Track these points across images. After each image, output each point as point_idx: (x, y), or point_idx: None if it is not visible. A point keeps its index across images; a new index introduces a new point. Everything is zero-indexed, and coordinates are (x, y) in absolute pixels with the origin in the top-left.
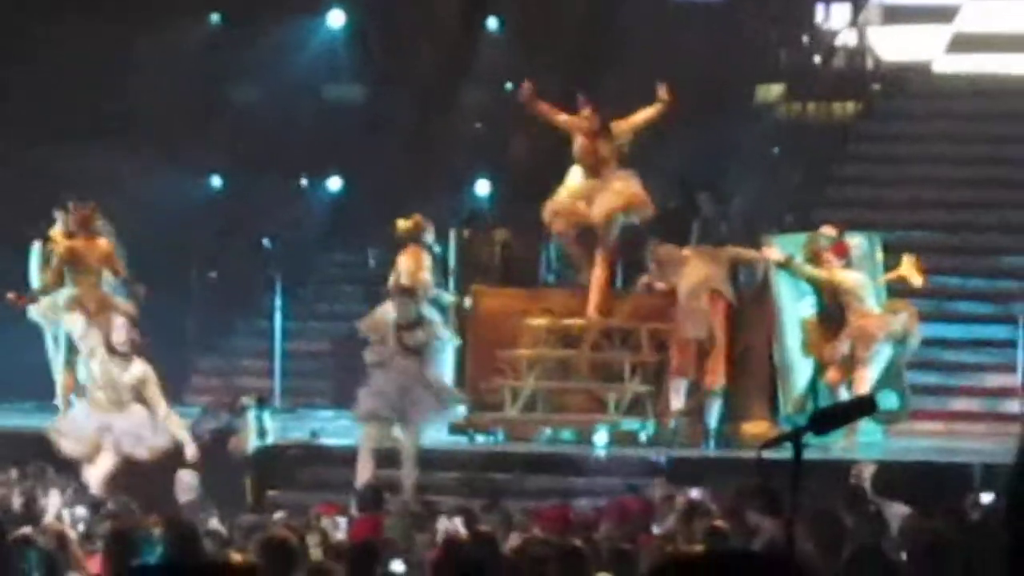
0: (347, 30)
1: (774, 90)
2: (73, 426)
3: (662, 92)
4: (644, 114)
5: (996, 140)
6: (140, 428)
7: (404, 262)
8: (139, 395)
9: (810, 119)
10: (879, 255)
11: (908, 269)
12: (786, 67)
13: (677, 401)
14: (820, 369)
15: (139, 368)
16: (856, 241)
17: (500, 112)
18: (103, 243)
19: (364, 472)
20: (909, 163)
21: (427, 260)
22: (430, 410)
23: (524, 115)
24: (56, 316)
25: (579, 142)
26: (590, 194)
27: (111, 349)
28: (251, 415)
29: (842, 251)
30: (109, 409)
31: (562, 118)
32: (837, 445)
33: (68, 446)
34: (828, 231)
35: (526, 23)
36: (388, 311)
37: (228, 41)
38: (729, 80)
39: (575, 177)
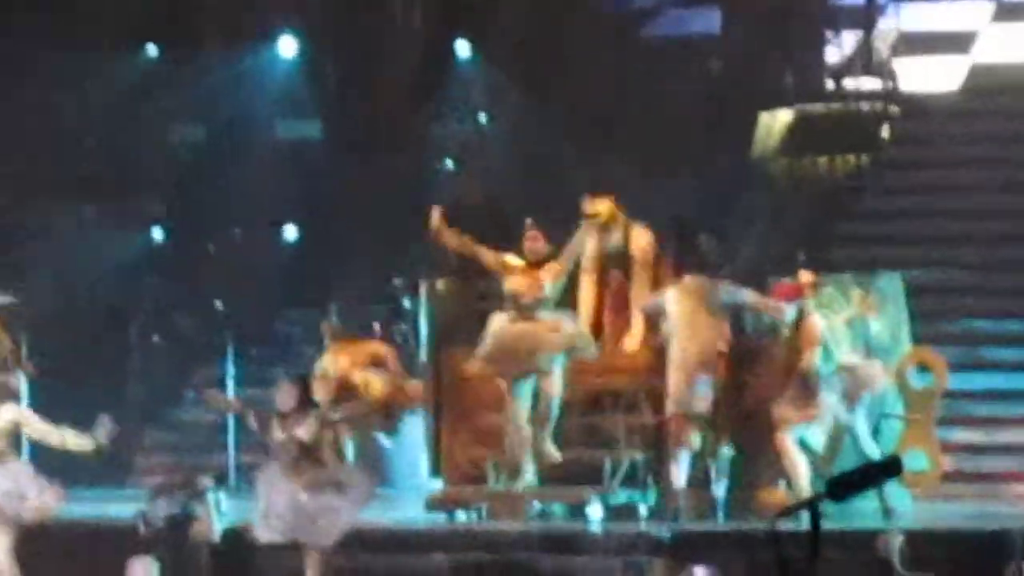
0: (300, 59)
1: (780, 118)
2: None
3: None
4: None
5: None
6: (21, 484)
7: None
8: (13, 444)
9: (818, 168)
10: (900, 297)
11: (859, 308)
12: (794, 92)
13: (680, 475)
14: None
15: (10, 411)
16: (828, 289)
17: (475, 147)
18: None
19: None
20: (935, 193)
21: None
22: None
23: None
24: None
25: (513, 283)
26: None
27: None
28: (211, 497)
29: (793, 293)
30: None
31: (488, 256)
32: (865, 512)
33: None
34: (806, 277)
35: (502, 48)
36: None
37: (166, 75)
38: (729, 113)
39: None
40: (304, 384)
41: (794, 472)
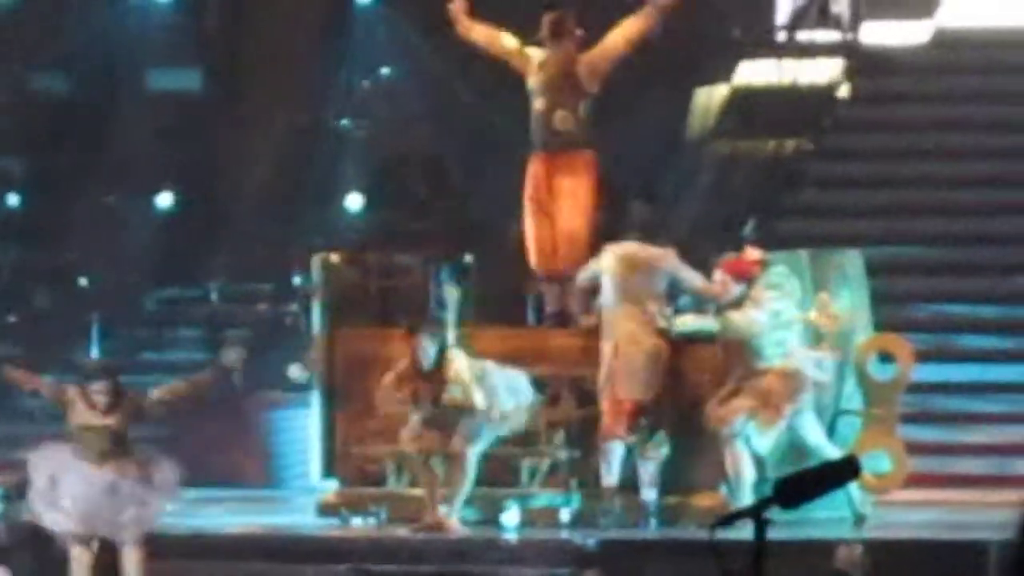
0: (178, 3)
1: (716, 95)
2: None
3: None
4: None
5: (1010, 126)
6: None
7: None
8: None
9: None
10: (860, 277)
11: (819, 315)
12: (742, 43)
13: (610, 473)
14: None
15: None
16: (779, 268)
17: (377, 105)
18: None
19: None
20: (897, 158)
21: None
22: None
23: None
24: None
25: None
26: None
27: None
28: None
29: (743, 270)
30: None
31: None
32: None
33: None
34: (753, 254)
35: None
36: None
37: (24, 18)
38: (669, 65)
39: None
40: (117, 370)
41: (736, 476)
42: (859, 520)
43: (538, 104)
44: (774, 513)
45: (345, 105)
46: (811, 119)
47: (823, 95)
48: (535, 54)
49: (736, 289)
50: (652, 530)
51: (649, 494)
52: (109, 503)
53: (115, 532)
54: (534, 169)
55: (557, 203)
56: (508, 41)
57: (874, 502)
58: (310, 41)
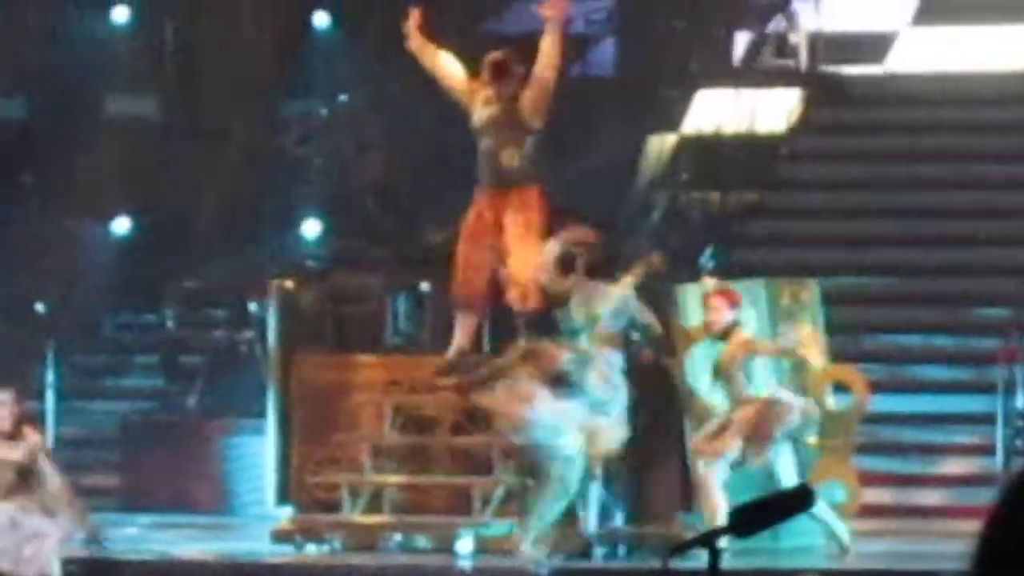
0: (134, 26)
1: (668, 143)
2: None
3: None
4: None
5: (966, 157)
6: None
7: None
8: None
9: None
10: (816, 307)
11: (807, 347)
12: (699, 71)
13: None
14: None
15: None
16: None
17: (334, 131)
18: None
19: None
20: (854, 188)
21: None
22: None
23: (376, 131)
24: None
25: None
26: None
27: None
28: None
29: (736, 299)
30: None
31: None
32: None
33: None
34: (710, 282)
35: (367, 20)
36: None
37: None
38: (630, 95)
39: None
40: (20, 396)
41: (712, 509)
42: (843, 552)
43: (485, 143)
44: (738, 542)
45: (303, 132)
46: (757, 173)
47: (769, 149)
48: (480, 90)
49: (729, 316)
50: (604, 558)
51: (587, 523)
52: (11, 538)
53: (17, 567)
54: (481, 204)
55: (503, 240)
56: (454, 71)
57: (829, 532)
58: (268, 67)
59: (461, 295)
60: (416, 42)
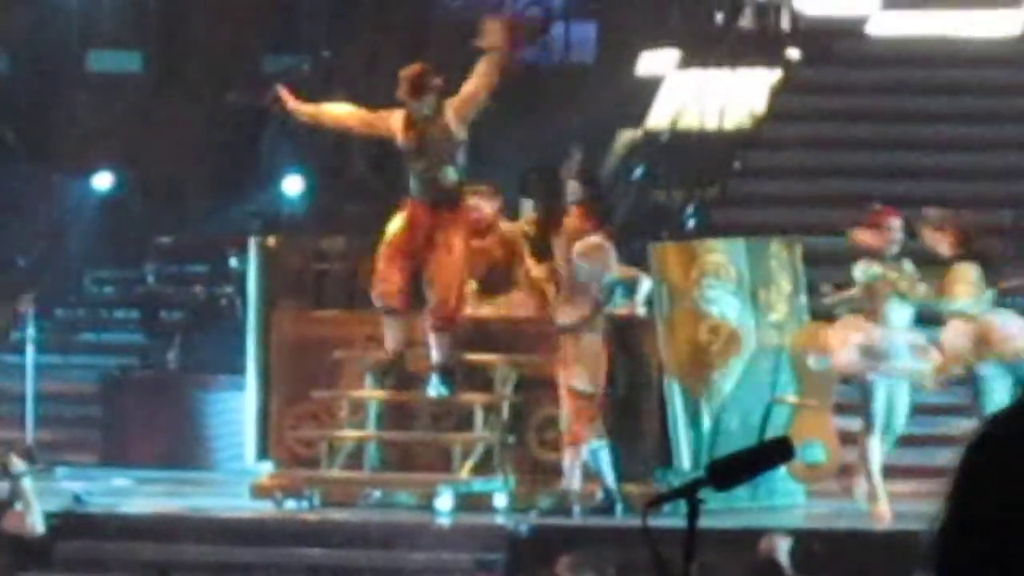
0: None
1: (634, 138)
2: None
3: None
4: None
5: (948, 118)
6: None
7: None
8: None
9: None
10: (797, 266)
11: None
12: (679, 31)
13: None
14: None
15: None
16: (717, 256)
17: (317, 86)
18: None
19: None
20: (835, 148)
21: None
22: None
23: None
24: None
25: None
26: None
27: None
28: (28, 482)
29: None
30: None
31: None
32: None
33: None
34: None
35: None
36: None
37: None
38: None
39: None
40: None
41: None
42: None
43: (419, 164)
44: (711, 501)
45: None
46: (719, 168)
47: (732, 143)
48: (395, 115)
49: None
50: (618, 517)
51: (610, 482)
52: None
53: None
54: (413, 215)
55: (432, 254)
56: (358, 114)
57: (808, 492)
58: (252, 23)
59: (388, 305)
60: (306, 110)
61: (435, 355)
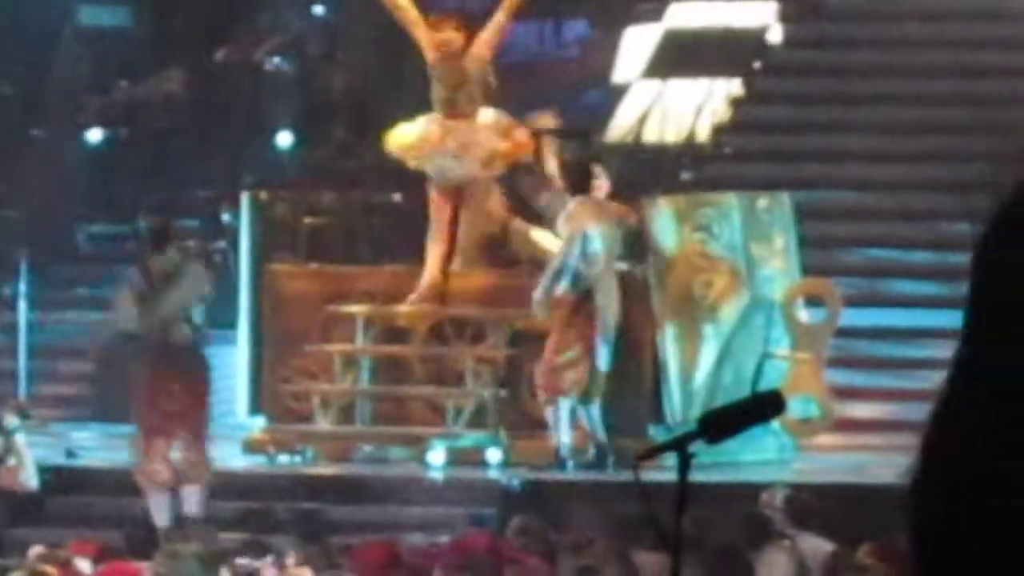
0: None
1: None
2: None
3: None
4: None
5: (943, 72)
6: None
7: None
8: None
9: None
10: (788, 221)
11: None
12: None
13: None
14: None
15: None
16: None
17: (310, 42)
18: None
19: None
20: (829, 103)
21: None
22: None
23: (345, 43)
24: None
25: (438, 66)
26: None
27: None
28: (21, 437)
29: None
30: None
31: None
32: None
33: None
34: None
35: None
36: None
37: None
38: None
39: (425, 124)
40: None
41: None
42: None
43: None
44: (703, 455)
45: (276, 42)
46: (742, 63)
47: (755, 38)
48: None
49: None
50: (610, 472)
51: (601, 437)
52: None
53: None
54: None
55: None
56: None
57: (800, 446)
58: None
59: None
60: None
61: None
